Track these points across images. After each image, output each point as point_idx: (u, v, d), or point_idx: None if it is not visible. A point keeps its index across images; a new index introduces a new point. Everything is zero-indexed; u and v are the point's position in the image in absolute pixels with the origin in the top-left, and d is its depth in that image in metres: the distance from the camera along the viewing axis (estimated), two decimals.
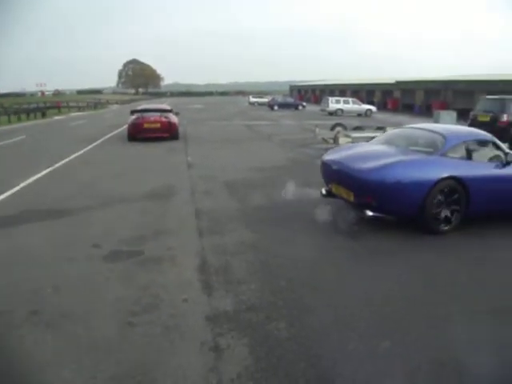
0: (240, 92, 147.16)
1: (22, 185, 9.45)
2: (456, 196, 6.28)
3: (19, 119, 33.23)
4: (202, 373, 3.15)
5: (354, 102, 41.86)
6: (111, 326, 3.80)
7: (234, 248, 5.65)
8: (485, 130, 15.94)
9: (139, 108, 19.42)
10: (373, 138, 14.63)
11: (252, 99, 63.96)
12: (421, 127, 8.02)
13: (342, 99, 42.56)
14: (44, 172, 11.00)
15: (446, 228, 6.34)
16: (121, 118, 31.79)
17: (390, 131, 8.61)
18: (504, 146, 7.35)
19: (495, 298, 4.44)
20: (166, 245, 5.73)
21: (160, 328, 3.76)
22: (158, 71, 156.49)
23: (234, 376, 3.12)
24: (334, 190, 7.11)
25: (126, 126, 19.43)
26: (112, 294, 4.43)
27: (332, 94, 60.27)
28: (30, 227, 6.60)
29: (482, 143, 7.33)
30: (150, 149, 15.69)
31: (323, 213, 7.30)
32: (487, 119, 16.48)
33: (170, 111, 19.11)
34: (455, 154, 6.71)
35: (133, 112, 18.80)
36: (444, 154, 6.59)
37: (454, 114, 22.69)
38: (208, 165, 12.06)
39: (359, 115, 39.02)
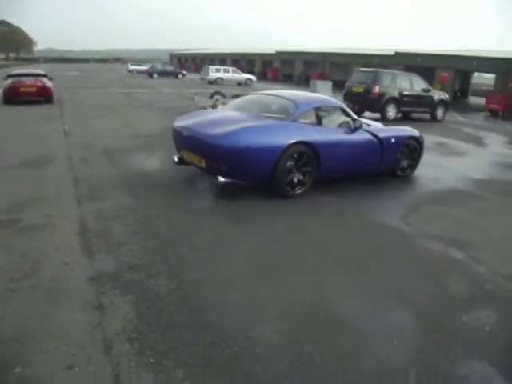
0: (118, 59, 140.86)
1: None
2: (306, 160, 6.51)
3: None
4: (86, 330, 3.27)
5: (234, 71, 42.09)
6: None
7: (114, 213, 5.68)
8: (358, 100, 17.42)
9: (14, 72, 20.10)
10: None
11: (131, 67, 61.79)
12: (273, 93, 8.13)
13: (222, 68, 42.61)
14: None
15: (299, 191, 6.60)
16: None
17: (243, 97, 8.62)
18: (352, 112, 7.80)
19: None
20: (44, 213, 5.61)
21: (42, 291, 3.78)
22: (30, 35, 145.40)
23: (119, 330, 3.27)
24: (185, 156, 7.05)
25: None
26: None
27: (212, 63, 60.09)
28: None
29: (332, 110, 7.68)
30: (25, 116, 14.84)
31: (195, 177, 7.40)
32: (361, 90, 17.61)
33: (44, 76, 19.63)
34: (306, 119, 6.93)
35: (8, 76, 19.11)
36: (295, 120, 6.76)
37: (329, 84, 23.80)
38: (85, 133, 11.67)
39: (239, 84, 39.53)
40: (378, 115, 17.00)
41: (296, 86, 38.07)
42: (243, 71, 47.50)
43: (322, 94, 18.76)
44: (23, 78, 18.79)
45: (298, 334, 3.34)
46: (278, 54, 52.12)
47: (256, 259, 4.58)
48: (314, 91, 21.04)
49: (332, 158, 6.83)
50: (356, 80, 18.40)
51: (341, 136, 7.19)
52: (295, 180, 6.52)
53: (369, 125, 8.08)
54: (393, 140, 7.89)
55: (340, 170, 7.32)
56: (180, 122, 7.37)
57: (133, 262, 4.37)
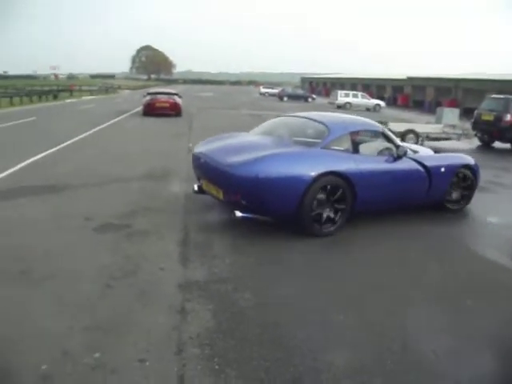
0: (252, 82, 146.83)
1: (28, 161, 9.84)
2: (340, 193, 5.73)
3: (31, 101, 33.70)
4: (165, 331, 3.47)
5: (362, 97, 41.79)
6: (92, 288, 4.12)
7: (217, 227, 6.00)
8: (487, 129, 16.40)
9: (152, 91, 25.11)
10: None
11: (262, 90, 64.15)
12: (305, 116, 7.17)
13: (350, 93, 42.53)
14: (48, 151, 11.37)
15: (331, 229, 5.79)
16: (129, 104, 32.47)
17: (272, 120, 7.83)
18: (395, 137, 6.96)
19: None
20: (153, 221, 6.06)
21: (135, 291, 4.09)
22: (171, 58, 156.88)
23: (194, 335, 3.43)
24: (204, 186, 6.39)
25: (131, 112, 23.62)
26: (98, 261, 4.75)
27: (343, 87, 60.17)
28: (31, 199, 7.00)
29: (372, 135, 6.87)
30: (157, 133, 16.08)
31: None
32: (491, 118, 16.40)
33: (176, 94, 24.08)
34: (340, 146, 6.09)
35: (148, 94, 24.03)
36: (326, 147, 5.96)
37: (456, 112, 22.73)
38: None
39: (368, 110, 38.95)
40: (508, 145, 16.04)
41: (426, 113, 36.89)
42: (373, 97, 46.88)
43: (448, 122, 18.04)
44: (159, 96, 23.30)
45: (368, 364, 3.25)
46: (409, 79, 50.76)
47: (342, 285, 4.51)
48: (439, 119, 20.24)
49: (370, 189, 6.03)
50: (486, 107, 17.14)
51: (381, 165, 6.33)
52: (325, 216, 5.71)
53: (415, 151, 7.28)
54: (443, 169, 6.94)
55: (379, 203, 6.44)
56: (200, 148, 6.79)
57: (223, 274, 4.55)
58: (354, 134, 6.43)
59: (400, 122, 17.56)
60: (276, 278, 4.59)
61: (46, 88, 49.39)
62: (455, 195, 7.34)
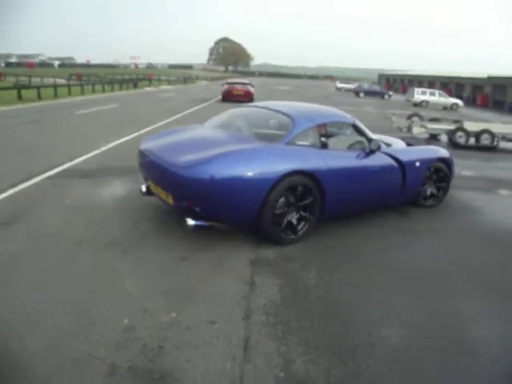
0: (328, 76, 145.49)
1: (111, 144, 10.61)
2: (307, 195, 5.05)
3: (112, 89, 35.32)
4: (235, 298, 3.78)
5: (440, 95, 39.93)
6: (170, 259, 4.52)
7: None
8: None
9: (229, 81, 31.59)
10: (450, 131, 14.69)
11: (339, 85, 63.64)
12: (266, 106, 6.34)
13: (428, 91, 40.92)
14: (129, 136, 11.88)
15: (292, 237, 5.07)
16: (206, 94, 33.55)
17: (232, 110, 6.82)
18: (367, 130, 6.19)
19: None
20: None
21: (210, 264, 4.45)
22: (249, 51, 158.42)
23: (261, 305, 3.70)
24: (152, 188, 5.50)
25: (207, 103, 25.71)
26: (176, 234, 5.15)
27: (420, 85, 58.26)
28: (113, 178, 7.57)
29: (342, 127, 6.19)
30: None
31: None
32: None
33: (249, 84, 29.54)
34: (306, 140, 5.37)
35: (226, 83, 30.06)
36: (291, 142, 5.22)
37: None
38: None
39: (445, 108, 37.45)
40: None
41: (506, 114, 35.21)
42: (451, 95, 45.03)
43: None
44: (235, 85, 29.10)
45: (420, 343, 3.35)
46: (490, 78, 48.37)
47: (402, 271, 4.61)
48: None
49: (341, 189, 5.37)
50: None
51: (352, 161, 5.63)
52: (291, 221, 5.05)
53: (388, 145, 6.66)
54: (418, 163, 6.38)
55: (352, 205, 5.80)
56: (146, 144, 5.85)
57: (292, 253, 4.80)
58: (321, 126, 5.65)
59: (477, 121, 16.95)
60: (342, 261, 4.76)
61: (127, 77, 51.64)
62: (430, 190, 6.91)
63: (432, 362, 3.14)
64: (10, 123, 13.78)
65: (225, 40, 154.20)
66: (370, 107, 30.75)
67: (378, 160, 5.88)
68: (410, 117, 17.04)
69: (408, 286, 4.29)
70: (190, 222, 4.63)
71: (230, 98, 27.30)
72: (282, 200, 4.85)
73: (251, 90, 28.16)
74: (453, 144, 14.06)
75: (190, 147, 5.21)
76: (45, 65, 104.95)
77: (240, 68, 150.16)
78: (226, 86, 29.08)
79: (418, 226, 6.07)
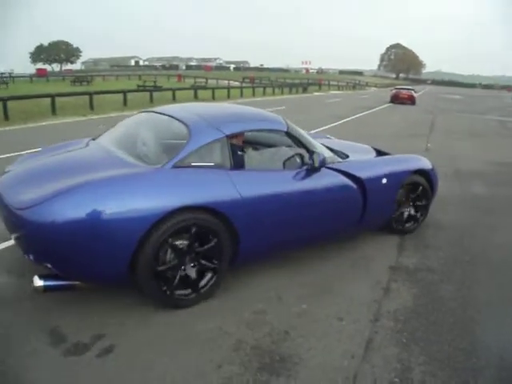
0: (505, 87, 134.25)
1: None
2: (209, 237, 3.58)
3: (282, 92, 36.77)
4: (367, 301, 3.86)
5: None
6: (309, 256, 4.74)
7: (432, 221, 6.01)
8: None
9: (397, 87, 39.29)
10: None
11: None
12: (164, 111, 4.52)
13: None
14: None
15: (192, 296, 3.63)
16: (374, 101, 33.58)
17: (131, 118, 5.01)
18: (310, 138, 4.59)
19: None
20: None
21: (349, 264, 4.59)
22: (420, 58, 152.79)
23: (392, 310, 3.73)
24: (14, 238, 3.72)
25: (371, 111, 25.29)
26: None
27: None
28: None
29: (271, 136, 4.61)
30: (399, 131, 17.03)
31: None
32: None
33: (413, 89, 36.55)
34: (208, 159, 3.74)
35: (394, 88, 38.09)
36: (182, 163, 3.60)
37: None
38: (445, 153, 11.89)
39: None
40: None
41: None
42: None
43: None
44: (401, 90, 36.04)
45: None
46: None
47: None
48: None
49: (264, 229, 3.91)
50: None
51: (282, 186, 4.06)
52: (192, 275, 3.62)
53: (344, 156, 5.04)
54: (384, 180, 4.85)
55: (281, 246, 4.35)
56: (11, 168, 4.35)
57: (434, 265, 4.69)
58: (236, 137, 4.04)
59: None
60: (484, 278, 4.51)
61: (297, 81, 53.15)
62: (407, 213, 5.50)
63: None
64: None
65: (396, 46, 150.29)
66: None
67: (324, 180, 4.35)
68: None
69: None
70: (38, 282, 3.26)
71: (396, 100, 33.89)
72: (169, 254, 3.45)
73: (414, 94, 34.82)
74: None
75: (49, 176, 3.68)
76: (221, 68, 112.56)
77: (411, 75, 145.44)
78: (394, 91, 36.18)
79: None
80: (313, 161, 4.16)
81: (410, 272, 4.50)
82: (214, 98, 26.50)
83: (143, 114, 4.93)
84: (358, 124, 18.04)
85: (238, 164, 3.84)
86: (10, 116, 15.08)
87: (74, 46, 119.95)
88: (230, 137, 3.88)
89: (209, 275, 3.67)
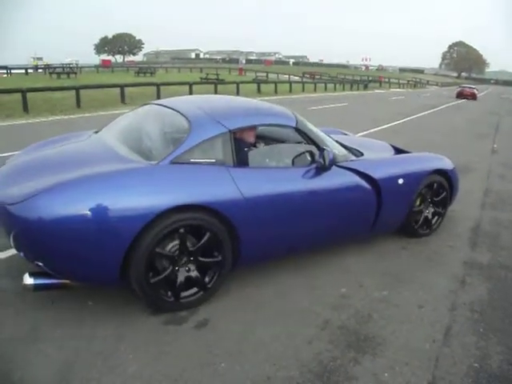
0: None
1: None
2: (207, 241, 3.39)
3: (343, 88, 36.65)
4: (444, 291, 4.02)
5: None
6: (392, 247, 4.97)
7: (508, 223, 6.04)
8: None
9: (462, 85, 44.30)
10: None
11: None
12: (169, 104, 4.23)
13: None
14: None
15: (192, 299, 3.49)
16: (437, 100, 32.73)
17: (138, 110, 4.78)
18: (321, 134, 4.31)
19: None
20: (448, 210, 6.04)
21: (424, 256, 4.77)
22: (484, 56, 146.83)
23: (468, 302, 3.87)
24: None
25: (436, 109, 25.12)
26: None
27: None
28: None
29: (278, 132, 4.45)
30: (464, 132, 17.06)
31: None
32: None
33: (475, 88, 42.31)
34: (209, 155, 3.52)
35: (459, 86, 44.13)
36: (180, 159, 3.41)
37: None
38: None
39: None
40: None
41: None
42: None
43: None
44: (465, 88, 42.28)
45: None
46: None
47: None
48: None
49: (267, 231, 3.71)
50: None
51: (290, 185, 3.82)
52: (194, 275, 3.47)
53: (359, 153, 4.77)
54: (401, 180, 4.57)
55: (285, 249, 4.12)
56: (8, 163, 4.22)
57: (506, 263, 4.76)
58: (239, 132, 3.83)
59: None
60: None
61: (357, 77, 52.70)
62: (426, 214, 5.20)
63: None
64: None
65: (459, 44, 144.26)
66: None
67: (334, 179, 4.08)
68: None
69: None
70: (28, 280, 3.14)
71: (461, 96, 40.08)
72: (167, 250, 3.31)
73: (476, 92, 41.53)
74: None
75: (43, 170, 3.55)
76: (280, 62, 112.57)
77: (473, 74, 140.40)
78: (459, 89, 42.96)
79: None
80: (323, 158, 3.90)
81: (483, 267, 4.61)
82: (276, 92, 26.74)
83: (146, 106, 4.68)
84: (423, 121, 18.20)
85: (241, 161, 3.65)
86: (82, 105, 16.09)
87: (137, 38, 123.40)
88: (235, 132, 3.68)
89: (212, 273, 3.53)
